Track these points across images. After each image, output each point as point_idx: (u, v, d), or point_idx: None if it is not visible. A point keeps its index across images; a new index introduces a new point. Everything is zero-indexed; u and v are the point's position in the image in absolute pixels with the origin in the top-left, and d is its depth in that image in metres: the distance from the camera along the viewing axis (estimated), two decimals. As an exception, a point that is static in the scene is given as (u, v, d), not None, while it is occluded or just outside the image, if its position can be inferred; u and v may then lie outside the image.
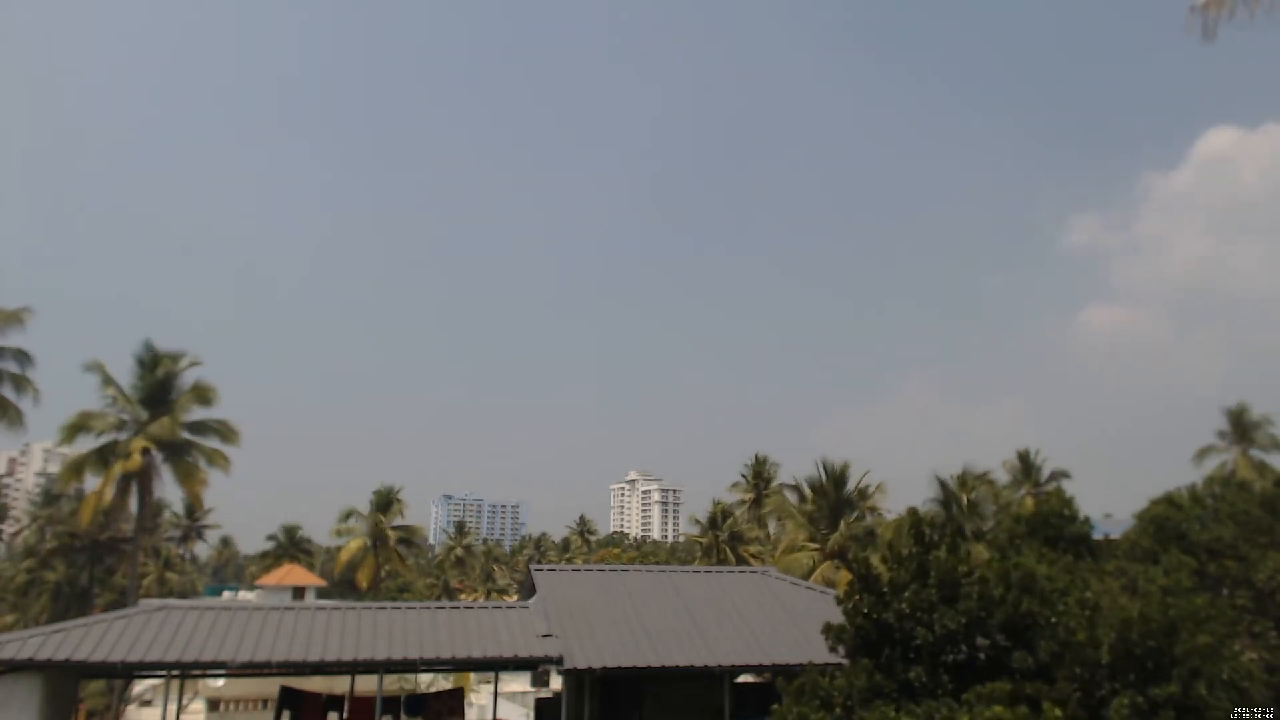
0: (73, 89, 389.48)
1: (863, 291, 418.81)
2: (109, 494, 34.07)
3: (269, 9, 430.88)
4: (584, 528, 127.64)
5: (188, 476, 36.14)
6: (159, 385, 36.00)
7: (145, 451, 34.59)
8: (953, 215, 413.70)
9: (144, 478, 35.21)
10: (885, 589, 13.84)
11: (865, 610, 13.76)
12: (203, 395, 36.46)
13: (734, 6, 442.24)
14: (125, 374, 36.16)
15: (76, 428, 34.36)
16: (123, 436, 35.29)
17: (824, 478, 40.18)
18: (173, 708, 23.92)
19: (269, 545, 70.00)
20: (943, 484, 38.93)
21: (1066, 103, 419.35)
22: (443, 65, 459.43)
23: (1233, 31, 12.16)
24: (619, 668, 20.17)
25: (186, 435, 36.29)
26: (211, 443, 36.74)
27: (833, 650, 14.38)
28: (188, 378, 36.73)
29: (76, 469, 34.87)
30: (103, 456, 34.60)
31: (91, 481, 35.49)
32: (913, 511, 16.93)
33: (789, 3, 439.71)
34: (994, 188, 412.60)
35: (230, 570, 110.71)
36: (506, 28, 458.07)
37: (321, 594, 56.47)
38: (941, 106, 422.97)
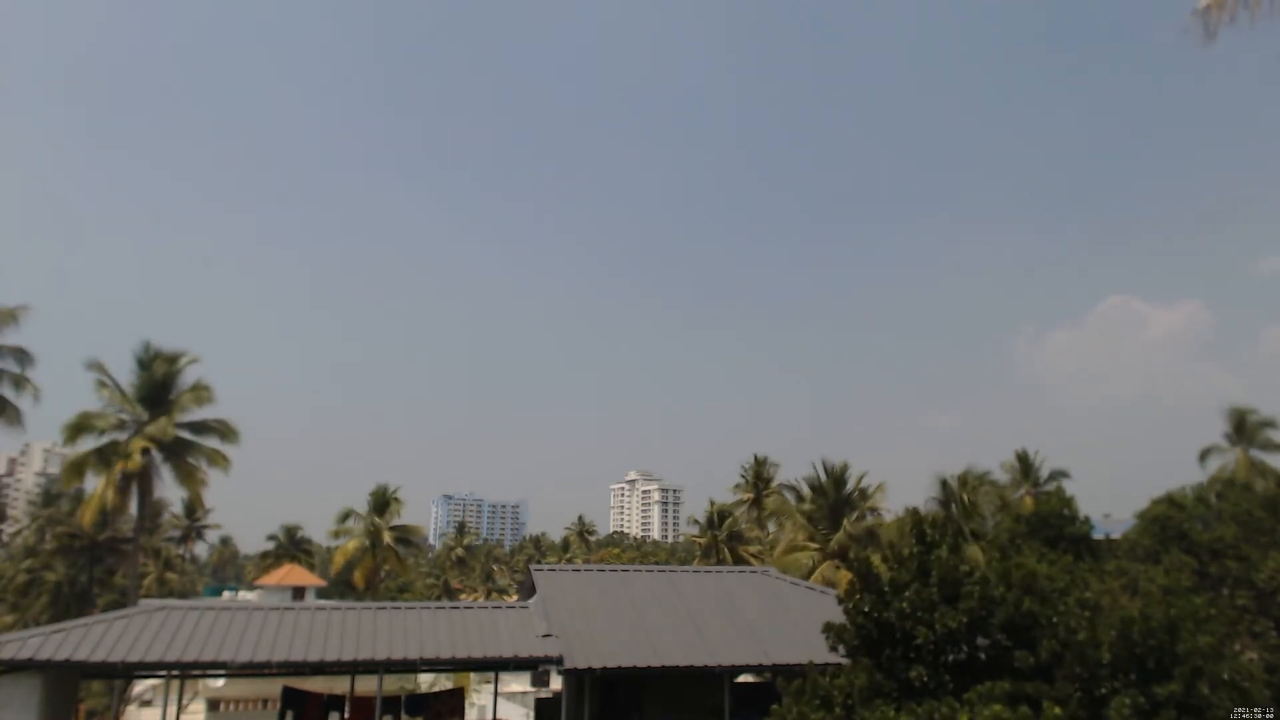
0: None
1: (863, 293, 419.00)
2: (110, 494, 33.97)
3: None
4: (584, 528, 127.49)
5: (187, 476, 36.02)
6: (158, 385, 35.83)
7: (145, 451, 34.48)
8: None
9: (144, 478, 35.09)
10: (886, 588, 13.81)
11: (866, 609, 13.72)
12: (201, 395, 36.29)
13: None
14: (125, 373, 36.10)
15: (78, 428, 34.26)
16: (123, 436, 35.21)
17: (824, 478, 40.15)
18: (173, 708, 23.92)
19: (269, 545, 69.97)
20: (943, 484, 38.94)
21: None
22: (457, 72, 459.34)
23: (1233, 35, 12.21)
24: (619, 668, 20.15)
25: (186, 435, 36.17)
26: (211, 442, 36.61)
27: (833, 649, 14.34)
28: (187, 377, 36.62)
29: (78, 469, 34.74)
30: (103, 456, 34.49)
31: (92, 481, 35.42)
32: (914, 511, 16.94)
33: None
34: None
35: (230, 570, 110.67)
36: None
37: (321, 594, 56.44)
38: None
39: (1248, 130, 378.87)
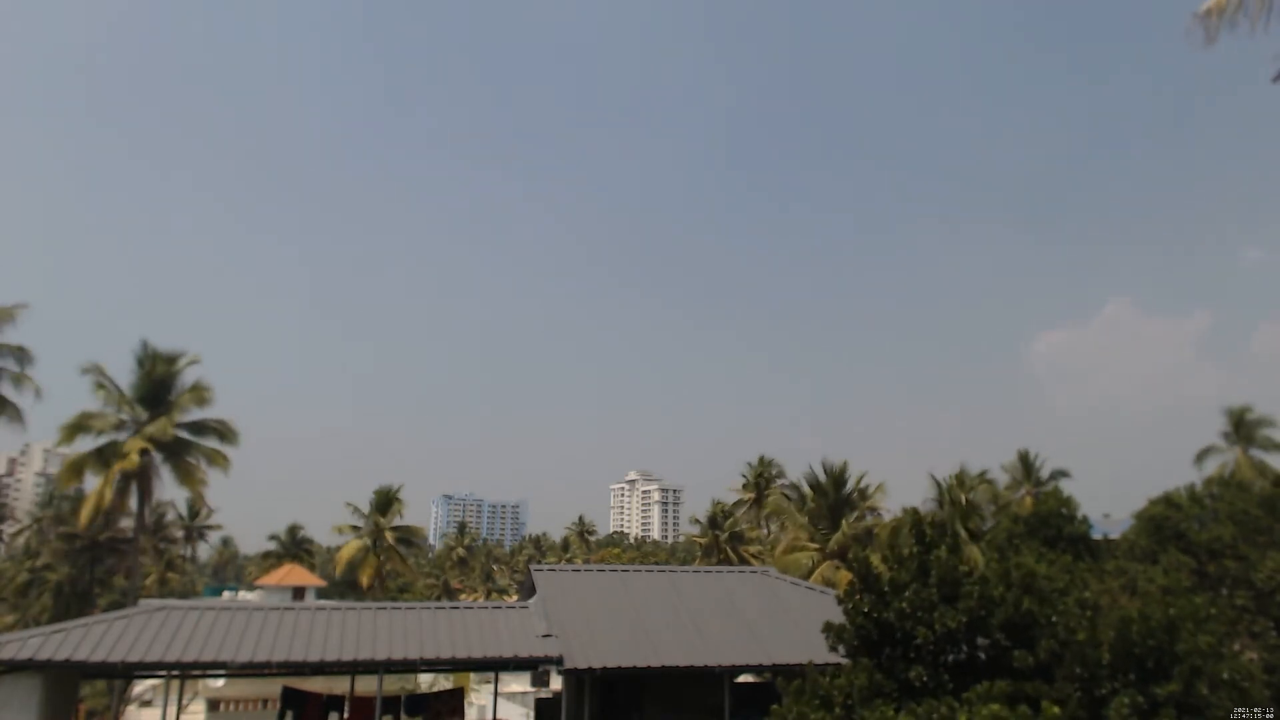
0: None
1: (863, 294, 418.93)
2: (109, 494, 33.95)
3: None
4: (584, 528, 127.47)
5: (187, 476, 35.98)
6: (157, 385, 35.76)
7: (144, 452, 34.45)
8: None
9: (143, 478, 35.07)
10: (885, 588, 13.82)
11: (866, 609, 13.73)
12: (201, 395, 36.23)
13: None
14: (125, 374, 36.10)
15: (76, 428, 34.23)
16: (122, 437, 35.20)
17: (824, 477, 40.16)
18: (173, 708, 23.94)
19: (270, 545, 69.97)
20: (940, 484, 38.98)
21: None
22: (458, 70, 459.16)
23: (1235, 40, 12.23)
24: (619, 668, 20.16)
25: (185, 435, 36.11)
26: (210, 443, 36.55)
27: (833, 650, 14.35)
28: (187, 377, 36.57)
29: (76, 469, 34.72)
30: (102, 457, 34.47)
31: (91, 481, 35.41)
32: (913, 511, 16.93)
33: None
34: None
35: (230, 570, 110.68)
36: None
37: (322, 594, 56.40)
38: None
39: (1246, 129, 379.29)
